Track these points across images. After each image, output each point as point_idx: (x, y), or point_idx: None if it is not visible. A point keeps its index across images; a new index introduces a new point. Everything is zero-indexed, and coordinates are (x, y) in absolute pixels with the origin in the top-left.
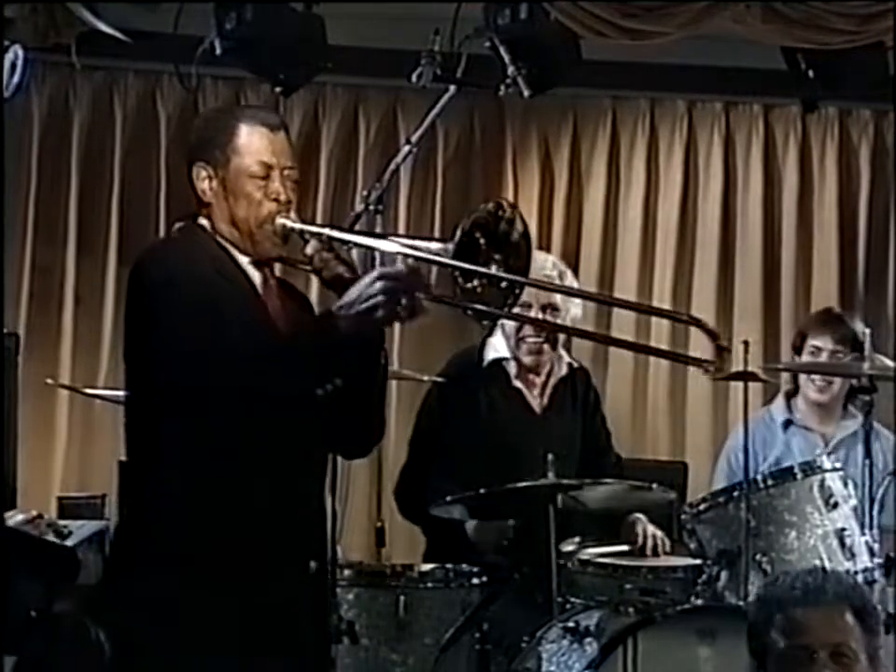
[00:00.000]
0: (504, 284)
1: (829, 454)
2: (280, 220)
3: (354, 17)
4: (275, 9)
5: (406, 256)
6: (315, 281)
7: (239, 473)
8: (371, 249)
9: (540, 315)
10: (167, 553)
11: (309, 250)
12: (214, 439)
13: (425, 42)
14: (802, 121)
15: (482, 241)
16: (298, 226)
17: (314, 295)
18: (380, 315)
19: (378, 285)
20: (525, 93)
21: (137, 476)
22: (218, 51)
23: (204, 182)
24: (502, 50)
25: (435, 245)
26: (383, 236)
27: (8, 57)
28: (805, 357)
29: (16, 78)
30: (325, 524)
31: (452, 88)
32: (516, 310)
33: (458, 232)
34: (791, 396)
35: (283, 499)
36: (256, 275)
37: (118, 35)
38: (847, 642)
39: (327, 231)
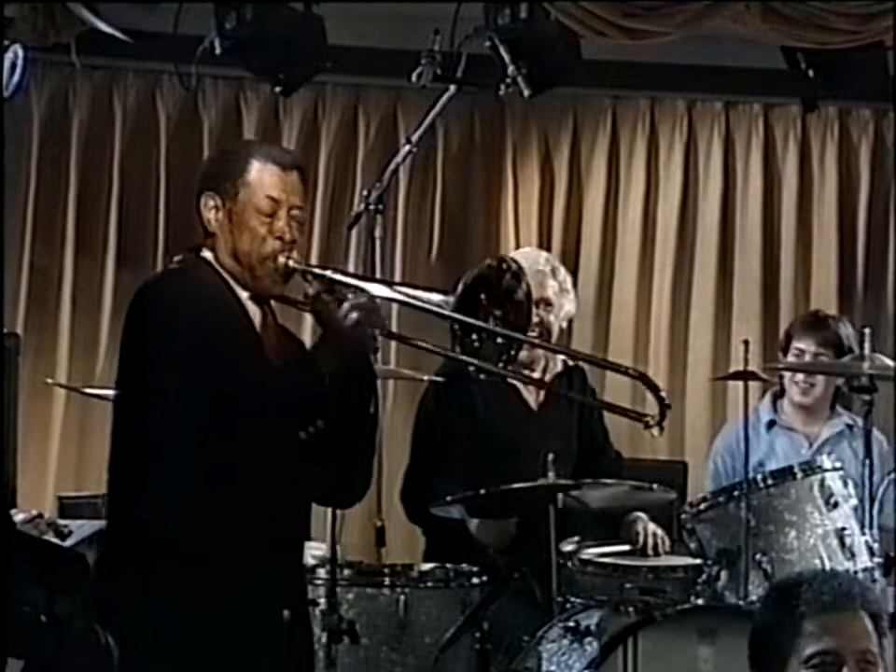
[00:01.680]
0: (500, 339)
1: (814, 454)
2: (282, 259)
3: (354, 16)
4: (275, 9)
5: (407, 305)
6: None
7: (217, 510)
8: (372, 296)
9: (533, 310)
10: (144, 570)
11: (311, 291)
12: (197, 471)
13: (425, 42)
14: (802, 121)
15: (482, 296)
16: (301, 267)
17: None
18: (359, 345)
19: (353, 315)
20: (526, 93)
21: (117, 497)
22: (218, 51)
23: (211, 212)
24: (502, 50)
25: (436, 297)
26: (386, 283)
27: (8, 57)
28: (790, 359)
29: (16, 78)
30: (303, 573)
31: (452, 87)
32: None
33: (460, 287)
34: (778, 397)
35: (259, 543)
36: (255, 311)
37: (117, 34)
38: (870, 648)
39: (329, 273)
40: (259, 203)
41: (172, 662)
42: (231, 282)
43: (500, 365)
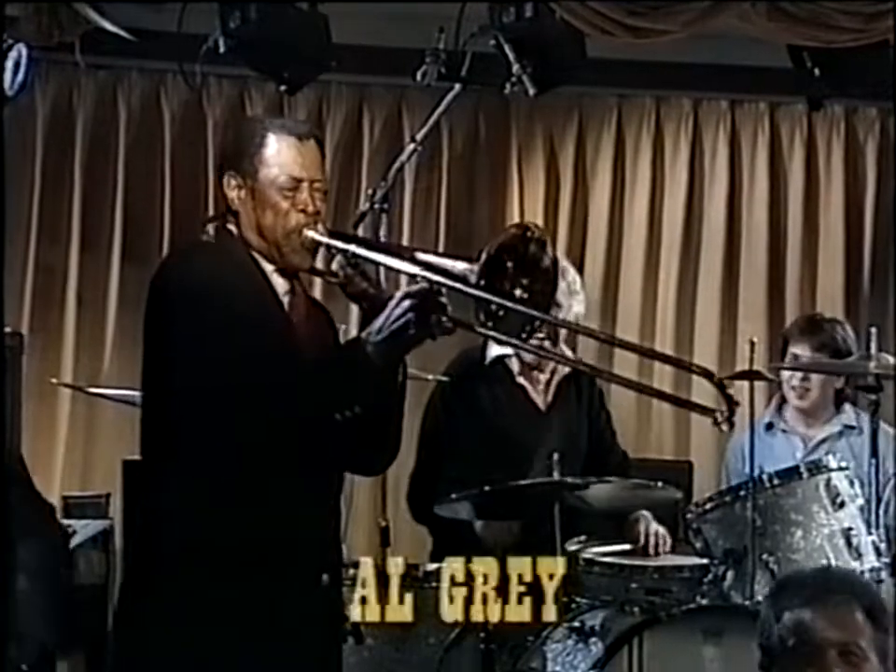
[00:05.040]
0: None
1: (806, 455)
2: (308, 233)
3: (358, 15)
4: (279, 8)
5: (427, 280)
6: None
7: (253, 484)
8: (395, 270)
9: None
10: (178, 560)
11: (335, 266)
12: (229, 447)
13: (429, 41)
14: (808, 120)
15: (509, 264)
16: (325, 240)
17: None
18: (412, 334)
19: (406, 303)
20: (531, 92)
21: (151, 483)
22: (222, 50)
23: (234, 191)
24: (507, 49)
25: (460, 266)
26: (408, 254)
27: (12, 56)
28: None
29: (20, 77)
30: (339, 537)
31: (457, 86)
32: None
33: (484, 256)
34: (783, 400)
35: (297, 511)
36: (282, 285)
37: (122, 33)
38: (855, 641)
39: (353, 247)
40: (280, 179)
41: (214, 627)
42: (257, 256)
43: (523, 336)
